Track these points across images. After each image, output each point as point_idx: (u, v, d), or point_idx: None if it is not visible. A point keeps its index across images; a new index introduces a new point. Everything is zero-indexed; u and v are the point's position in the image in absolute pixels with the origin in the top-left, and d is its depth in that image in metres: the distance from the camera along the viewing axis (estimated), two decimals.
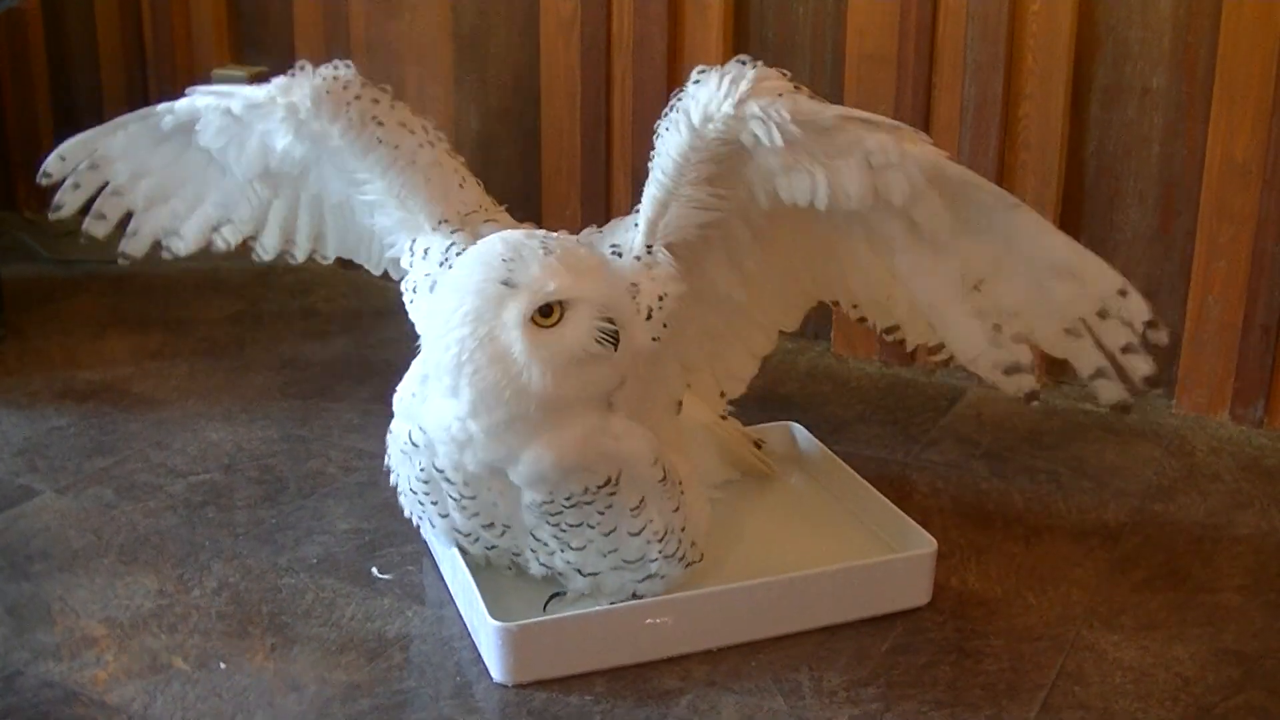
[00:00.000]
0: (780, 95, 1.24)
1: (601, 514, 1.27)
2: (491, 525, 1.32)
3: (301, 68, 1.46)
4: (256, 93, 1.48)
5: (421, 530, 1.44)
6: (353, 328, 2.17)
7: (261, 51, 2.43)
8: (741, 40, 2.00)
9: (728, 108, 1.23)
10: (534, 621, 1.29)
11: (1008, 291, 1.29)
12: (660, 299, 1.29)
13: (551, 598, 1.36)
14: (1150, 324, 1.27)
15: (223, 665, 1.32)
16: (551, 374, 1.19)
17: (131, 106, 2.52)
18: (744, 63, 1.26)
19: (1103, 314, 1.28)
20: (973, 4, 1.83)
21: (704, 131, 1.25)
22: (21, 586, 1.45)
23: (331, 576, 1.47)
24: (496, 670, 1.29)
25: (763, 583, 1.35)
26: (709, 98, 1.24)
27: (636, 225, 1.32)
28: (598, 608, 1.32)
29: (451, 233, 1.39)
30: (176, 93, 2.45)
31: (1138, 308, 1.27)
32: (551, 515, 1.27)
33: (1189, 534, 1.55)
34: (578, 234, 1.36)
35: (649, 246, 1.30)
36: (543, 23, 2.12)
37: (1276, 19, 1.68)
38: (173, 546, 1.53)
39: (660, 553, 1.31)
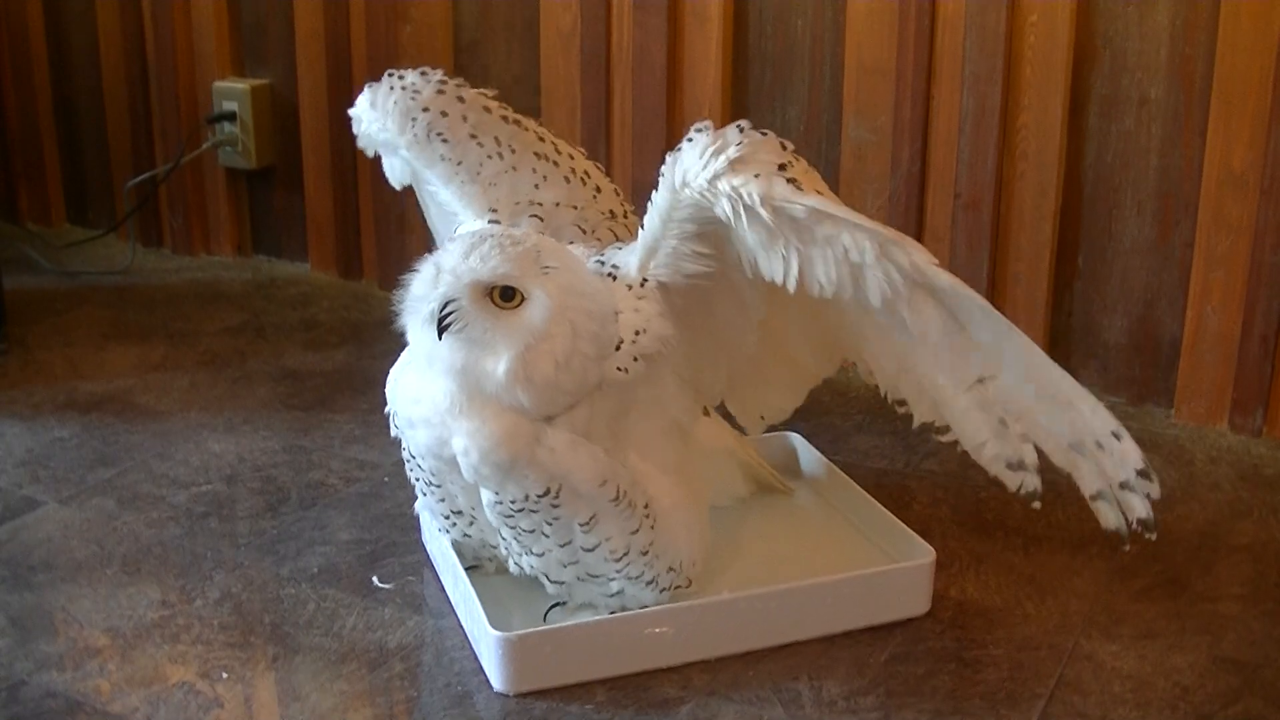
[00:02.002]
0: (757, 176, 1.19)
1: (550, 524, 1.27)
2: (460, 514, 1.34)
3: (389, 74, 1.48)
4: (360, 101, 1.50)
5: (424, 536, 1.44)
6: (354, 339, 2.18)
7: (263, 63, 2.44)
8: (740, 52, 2.01)
9: (701, 180, 1.20)
10: (534, 631, 1.30)
11: (1012, 395, 1.26)
12: (637, 333, 1.27)
13: (552, 607, 1.36)
14: (1142, 473, 1.22)
15: (225, 675, 1.32)
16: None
17: (133, 119, 2.55)
18: (741, 129, 1.23)
19: (1101, 446, 1.23)
20: (971, 15, 1.84)
21: (680, 196, 1.23)
22: (24, 597, 1.46)
23: (333, 587, 1.47)
24: (497, 680, 1.30)
25: (762, 592, 1.35)
26: (690, 164, 1.21)
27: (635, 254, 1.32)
28: (598, 617, 1.32)
29: (489, 224, 1.42)
30: (178, 106, 2.49)
31: (1131, 454, 1.22)
32: (506, 517, 1.28)
33: (1188, 543, 1.56)
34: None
35: (643, 280, 1.29)
36: (543, 34, 2.13)
37: (1273, 29, 1.69)
38: (175, 557, 1.53)
39: (620, 573, 1.30)
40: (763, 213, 1.19)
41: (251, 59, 2.45)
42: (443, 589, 1.46)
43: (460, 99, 1.47)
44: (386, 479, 1.71)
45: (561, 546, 1.29)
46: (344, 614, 1.42)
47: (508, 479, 1.24)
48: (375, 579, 1.49)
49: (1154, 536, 1.23)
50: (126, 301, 2.35)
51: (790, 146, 1.25)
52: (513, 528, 1.29)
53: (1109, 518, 1.24)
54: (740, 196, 1.19)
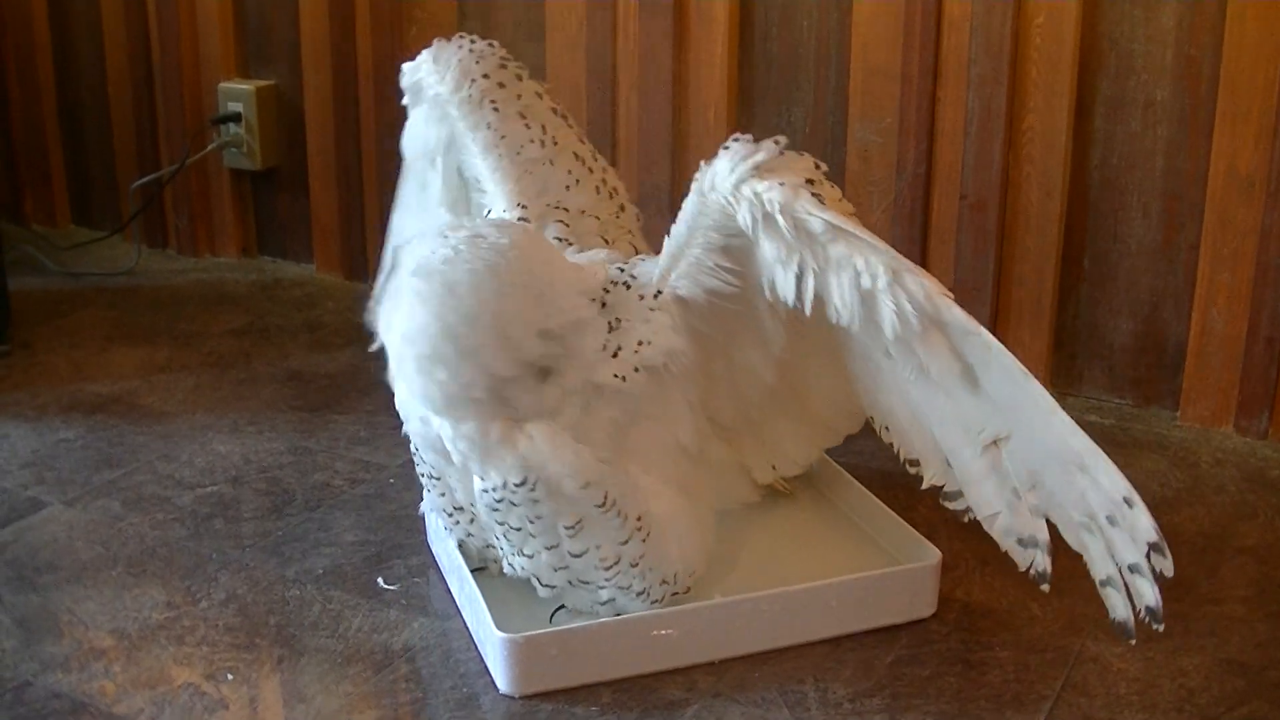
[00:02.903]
0: (782, 185, 1.19)
1: (534, 523, 1.27)
2: (461, 510, 1.34)
3: (460, 36, 1.50)
4: (421, 55, 1.51)
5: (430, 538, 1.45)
6: (359, 340, 2.17)
7: (268, 65, 2.44)
8: (746, 54, 2.01)
9: (728, 184, 1.21)
10: (540, 633, 1.30)
11: (1025, 458, 1.21)
12: (641, 343, 1.28)
13: (558, 609, 1.36)
14: (1155, 547, 1.16)
15: (230, 676, 1.32)
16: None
17: (138, 121, 2.55)
18: (778, 143, 1.24)
19: (1112, 520, 1.18)
20: (976, 17, 1.83)
21: (708, 200, 1.24)
22: (30, 598, 1.46)
23: (338, 588, 1.47)
24: (502, 681, 1.30)
25: (768, 595, 1.35)
26: (720, 169, 1.22)
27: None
28: (603, 619, 1.32)
29: (516, 219, 1.43)
30: (183, 107, 2.49)
31: (1144, 525, 1.16)
32: (493, 510, 1.27)
33: (1193, 545, 1.55)
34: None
35: (658, 292, 1.29)
36: (548, 38, 2.13)
37: (1279, 31, 1.69)
38: (180, 558, 1.54)
39: (610, 581, 1.30)
40: (781, 221, 1.19)
41: (256, 60, 2.45)
42: (448, 590, 1.46)
43: (518, 78, 1.49)
44: (392, 480, 1.71)
45: (549, 550, 1.29)
46: (349, 615, 1.42)
47: (487, 460, 1.24)
48: (381, 580, 1.49)
49: (1161, 628, 1.17)
50: (131, 303, 2.35)
51: (824, 168, 1.26)
52: (502, 523, 1.28)
53: (1118, 608, 1.19)
54: (761, 203, 1.19)
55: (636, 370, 1.28)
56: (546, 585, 1.33)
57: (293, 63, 2.40)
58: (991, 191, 1.88)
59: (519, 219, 1.44)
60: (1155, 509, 1.61)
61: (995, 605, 1.43)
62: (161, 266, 2.55)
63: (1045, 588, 1.24)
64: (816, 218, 1.18)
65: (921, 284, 1.17)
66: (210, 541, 1.57)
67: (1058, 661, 1.34)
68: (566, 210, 1.46)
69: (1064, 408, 1.86)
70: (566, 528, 1.27)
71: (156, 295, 2.39)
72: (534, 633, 1.29)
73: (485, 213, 1.48)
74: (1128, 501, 1.17)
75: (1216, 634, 1.39)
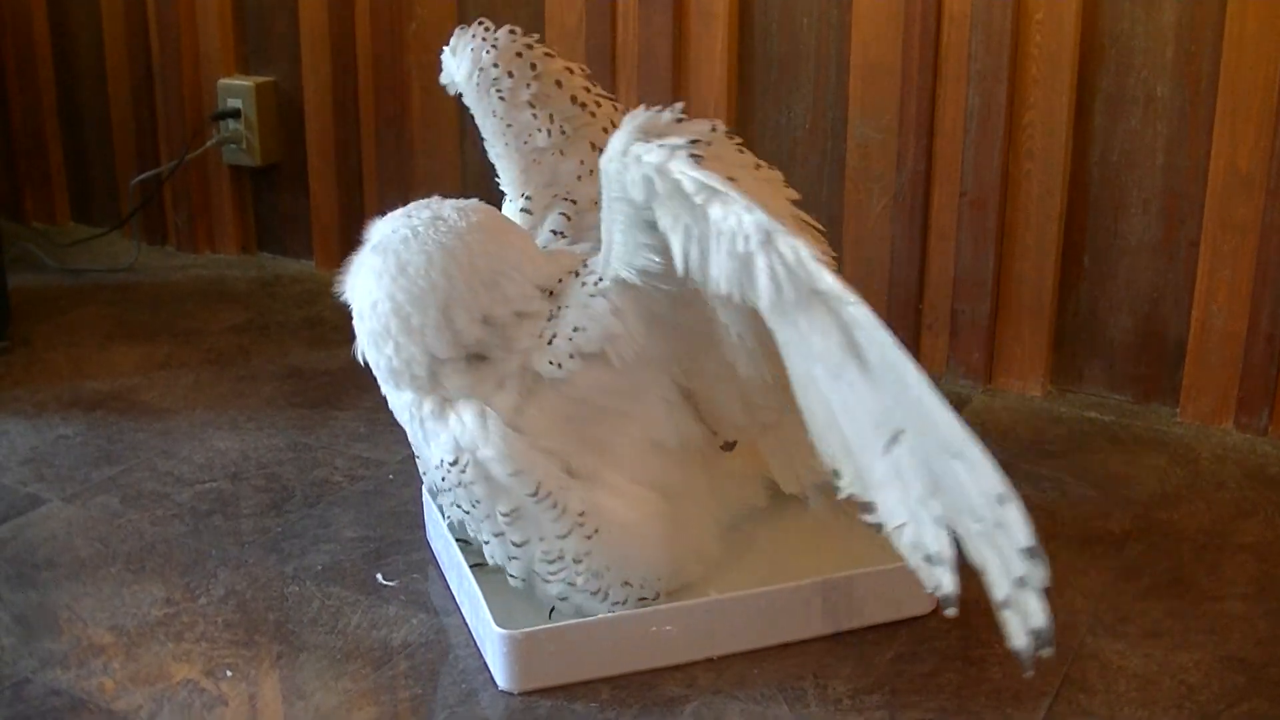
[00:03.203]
0: (660, 146, 1.15)
1: (475, 507, 1.29)
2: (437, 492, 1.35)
3: (480, 23, 1.49)
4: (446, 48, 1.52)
5: (430, 534, 1.44)
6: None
7: (268, 61, 2.44)
8: (746, 51, 2.01)
9: (617, 150, 1.18)
10: (539, 629, 1.30)
11: (921, 455, 1.09)
12: (576, 329, 1.27)
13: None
14: (1030, 553, 1.03)
15: (229, 673, 1.32)
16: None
17: (138, 118, 2.55)
18: (674, 110, 1.20)
19: (1000, 524, 1.05)
20: (976, 13, 1.83)
21: (607, 171, 1.20)
22: (29, 595, 1.46)
23: (337, 585, 1.47)
24: (502, 678, 1.29)
25: (767, 591, 1.35)
26: (616, 137, 1.19)
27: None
28: (602, 615, 1.32)
29: (519, 210, 1.44)
30: (182, 103, 2.49)
31: (1018, 527, 1.04)
32: (445, 492, 1.30)
33: (1194, 542, 1.55)
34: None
35: (600, 279, 1.28)
36: (547, 33, 2.12)
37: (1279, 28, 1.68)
38: (179, 555, 1.53)
39: (556, 576, 1.30)
40: (657, 183, 1.15)
41: (256, 56, 2.45)
42: (447, 586, 1.46)
43: (533, 65, 1.47)
44: (391, 477, 1.71)
45: (496, 537, 1.30)
46: (348, 612, 1.42)
47: (422, 436, 1.29)
48: (380, 577, 1.49)
49: (1051, 652, 1.06)
50: (131, 299, 2.35)
51: (720, 128, 1.21)
52: (454, 505, 1.31)
53: (1017, 634, 1.07)
54: (640, 166, 1.16)
55: (572, 357, 1.27)
56: (512, 575, 1.34)
57: (292, 59, 2.40)
58: (991, 188, 1.88)
59: (522, 210, 1.45)
60: (1155, 505, 1.63)
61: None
62: (161, 263, 2.55)
63: (951, 612, 1.10)
64: (688, 176, 1.12)
65: (794, 246, 1.08)
66: (209, 538, 1.57)
67: (1057, 658, 1.34)
68: (574, 202, 1.45)
69: (1063, 403, 1.89)
70: (504, 515, 1.28)
71: (156, 292, 2.39)
72: (533, 629, 1.29)
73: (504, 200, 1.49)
74: (1000, 499, 1.05)
75: (1216, 631, 1.39)
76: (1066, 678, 1.31)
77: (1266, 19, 1.68)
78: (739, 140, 1.25)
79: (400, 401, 1.32)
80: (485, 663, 1.33)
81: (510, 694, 1.29)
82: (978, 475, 1.05)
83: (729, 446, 1.40)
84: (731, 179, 1.13)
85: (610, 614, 1.32)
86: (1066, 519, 1.60)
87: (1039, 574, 1.04)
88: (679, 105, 1.22)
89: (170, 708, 1.27)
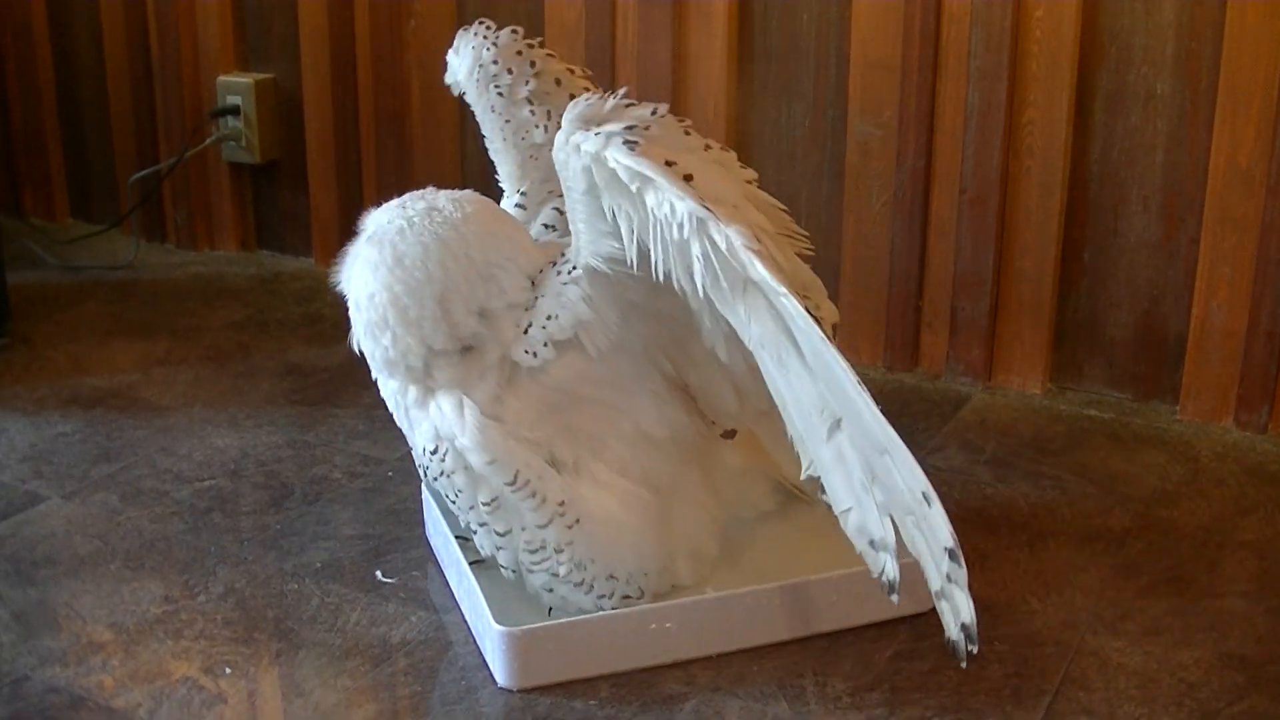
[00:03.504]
0: (597, 134, 1.15)
1: (458, 495, 1.29)
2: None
3: (480, 22, 1.51)
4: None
5: (429, 534, 1.44)
6: None
7: (267, 58, 2.44)
8: (745, 47, 2.01)
9: (561, 138, 1.19)
10: (538, 626, 1.29)
11: (859, 443, 1.11)
12: (549, 318, 1.27)
13: None
14: (951, 554, 1.07)
15: (228, 670, 1.32)
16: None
17: (137, 115, 2.55)
18: (615, 95, 1.21)
19: (925, 521, 1.09)
20: (976, 11, 1.83)
21: (555, 159, 1.21)
22: (28, 592, 1.46)
23: (336, 582, 1.47)
24: (501, 675, 1.29)
25: (767, 588, 1.35)
26: (563, 125, 1.20)
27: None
28: (602, 613, 1.32)
29: (514, 205, 1.45)
30: (182, 100, 2.48)
31: (940, 526, 1.07)
32: (432, 480, 1.30)
33: (1193, 539, 1.55)
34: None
35: (573, 267, 1.28)
36: (547, 29, 2.12)
37: None
38: (179, 552, 1.53)
39: (539, 567, 1.30)
40: (595, 170, 1.16)
41: (255, 53, 2.45)
42: (447, 584, 1.46)
43: (533, 63, 1.48)
44: (390, 474, 1.71)
45: (482, 526, 1.31)
46: (348, 609, 1.42)
47: (406, 424, 1.30)
48: (379, 574, 1.49)
49: (975, 649, 1.08)
50: (130, 296, 2.35)
51: (663, 110, 1.20)
52: (445, 493, 1.31)
53: (949, 626, 1.10)
54: (579, 154, 1.17)
55: (546, 345, 1.27)
56: (502, 565, 1.34)
57: (292, 56, 2.39)
58: (991, 186, 1.88)
59: (517, 205, 1.46)
60: (1155, 503, 1.63)
61: (995, 599, 1.43)
62: (160, 260, 2.54)
63: (895, 599, 1.13)
64: (623, 166, 1.13)
65: (726, 234, 1.10)
66: (208, 535, 1.57)
67: (1057, 655, 1.34)
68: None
69: (1063, 401, 1.89)
70: (484, 504, 1.28)
71: (155, 289, 2.39)
72: (532, 626, 1.29)
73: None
74: (926, 498, 1.08)
75: (1216, 628, 1.39)
76: (1066, 675, 1.31)
77: (1266, 15, 1.68)
78: (686, 121, 1.24)
79: (387, 390, 1.33)
80: (484, 660, 1.33)
81: (509, 691, 1.29)
82: (903, 472, 1.08)
83: (729, 435, 1.40)
84: (671, 163, 1.14)
85: (608, 611, 1.32)
86: (1066, 516, 1.60)
87: (961, 574, 1.08)
88: (623, 90, 1.22)
89: (169, 705, 1.27)
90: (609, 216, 1.19)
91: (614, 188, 1.16)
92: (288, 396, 1.95)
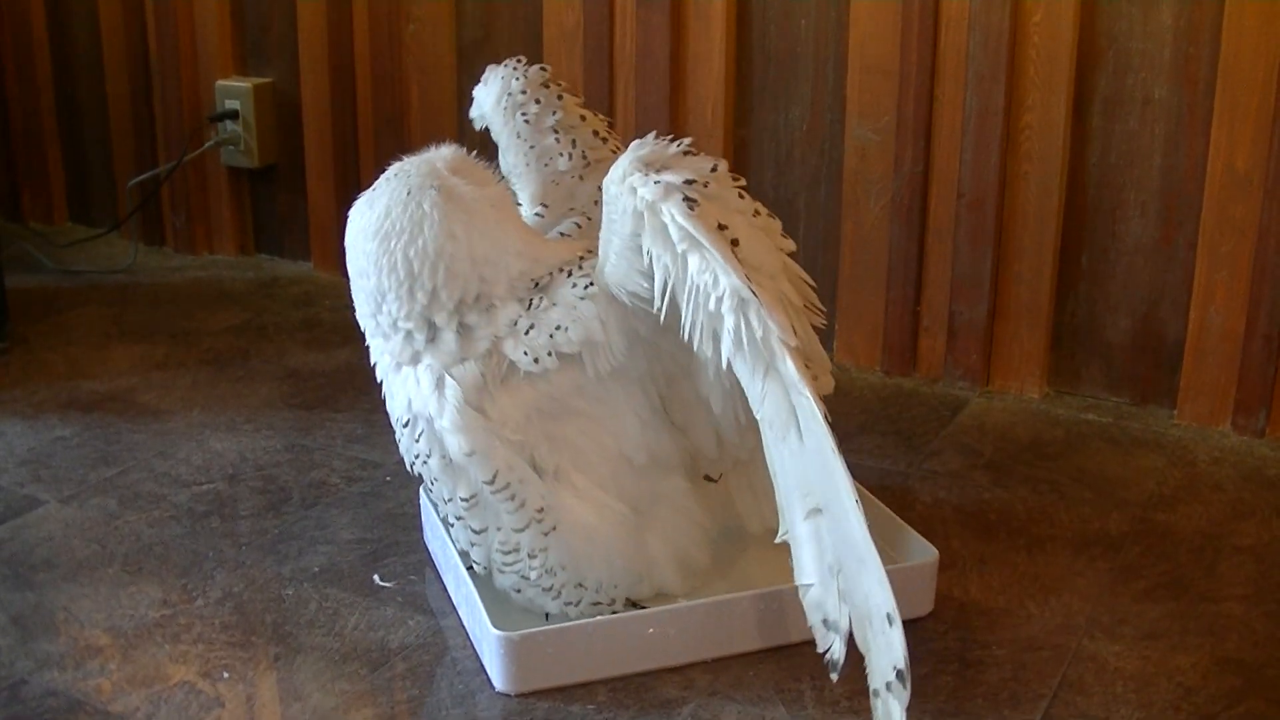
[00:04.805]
0: (657, 182, 1.16)
1: (434, 485, 1.30)
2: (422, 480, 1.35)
3: (511, 60, 1.54)
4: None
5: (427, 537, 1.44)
6: (356, 338, 2.15)
7: (266, 62, 2.44)
8: (744, 51, 2.01)
9: (618, 175, 1.19)
10: (536, 631, 1.29)
11: (834, 537, 1.14)
12: (558, 328, 1.27)
13: None
14: (900, 675, 1.09)
15: (226, 675, 1.32)
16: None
17: (136, 119, 2.55)
18: (684, 144, 1.21)
19: (884, 635, 1.11)
20: (974, 15, 1.83)
21: (609, 192, 1.21)
22: (26, 596, 1.46)
23: (334, 586, 1.47)
24: (499, 679, 1.29)
25: (765, 593, 1.35)
26: (620, 162, 1.20)
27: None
28: (600, 617, 1.32)
29: (533, 215, 1.46)
30: (180, 104, 2.49)
31: (897, 648, 1.09)
32: (410, 464, 1.31)
33: (1191, 544, 1.55)
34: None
35: (590, 283, 1.28)
36: (545, 33, 2.13)
37: (1278, 29, 1.68)
38: (177, 556, 1.53)
39: (510, 568, 1.31)
40: (646, 218, 1.17)
41: (254, 57, 2.45)
42: (445, 588, 1.46)
43: (560, 97, 1.52)
44: (388, 478, 1.71)
45: (458, 520, 1.31)
46: (346, 613, 1.42)
47: (387, 391, 1.31)
48: (377, 578, 1.49)
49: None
50: (128, 300, 2.35)
51: (723, 167, 1.21)
52: (423, 477, 1.32)
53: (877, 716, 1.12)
54: (635, 195, 1.17)
55: (550, 355, 1.27)
56: (475, 561, 1.35)
57: (290, 60, 2.40)
58: (989, 189, 1.88)
59: (535, 214, 1.46)
60: (1153, 507, 1.63)
61: (992, 604, 1.43)
62: (159, 264, 2.55)
63: (834, 676, 1.15)
64: (675, 224, 1.14)
65: (764, 321, 1.12)
66: (207, 539, 1.57)
67: (1054, 660, 1.34)
68: (590, 220, 1.46)
69: (1060, 405, 1.89)
70: (463, 499, 1.28)
71: (154, 293, 2.39)
72: (530, 630, 1.29)
73: None
74: (889, 619, 1.10)
75: (1214, 632, 1.39)
76: (1064, 679, 1.31)
77: (1264, 20, 1.68)
78: (741, 183, 1.24)
79: (377, 357, 1.35)
80: (482, 664, 1.33)
81: (507, 696, 1.29)
82: (873, 589, 1.11)
83: (710, 479, 1.40)
84: (724, 225, 1.16)
85: (607, 616, 1.32)
86: (1064, 520, 1.60)
87: (903, 695, 1.09)
88: (687, 140, 1.22)
89: (167, 709, 1.27)
90: (646, 260, 1.20)
91: (660, 240, 1.17)
92: (286, 401, 1.95)
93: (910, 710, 1.22)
